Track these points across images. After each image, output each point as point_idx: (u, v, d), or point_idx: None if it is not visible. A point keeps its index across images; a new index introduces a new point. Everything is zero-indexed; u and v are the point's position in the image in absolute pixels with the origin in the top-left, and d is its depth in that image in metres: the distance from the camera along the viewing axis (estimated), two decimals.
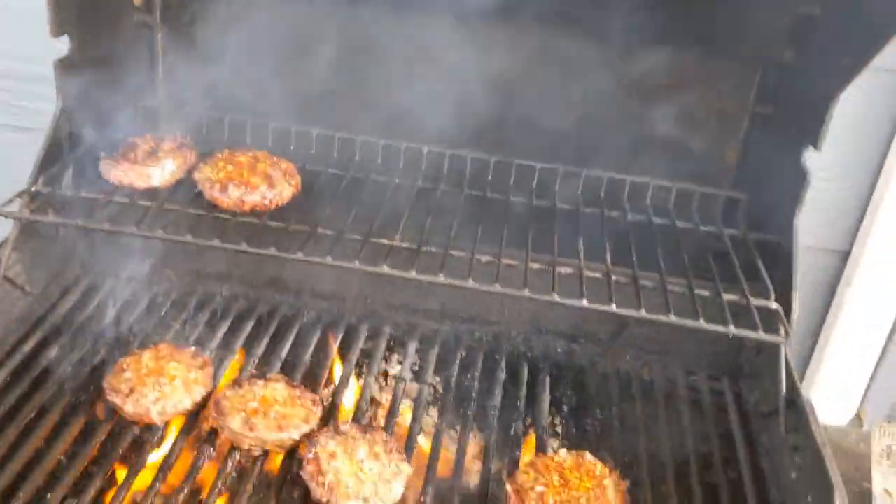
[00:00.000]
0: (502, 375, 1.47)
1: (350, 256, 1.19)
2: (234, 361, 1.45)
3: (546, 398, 1.43)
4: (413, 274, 1.18)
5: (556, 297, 1.15)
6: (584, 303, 1.14)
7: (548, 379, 1.47)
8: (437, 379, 1.49)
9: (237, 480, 1.25)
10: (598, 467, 1.23)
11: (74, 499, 1.15)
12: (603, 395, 1.47)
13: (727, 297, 1.23)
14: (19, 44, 1.69)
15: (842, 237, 1.70)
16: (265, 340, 1.50)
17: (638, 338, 1.54)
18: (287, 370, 1.42)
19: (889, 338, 1.75)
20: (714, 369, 1.51)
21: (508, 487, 1.20)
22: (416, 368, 1.51)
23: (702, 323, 1.14)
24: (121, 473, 1.22)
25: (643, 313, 1.13)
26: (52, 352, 1.38)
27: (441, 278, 1.20)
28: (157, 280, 1.58)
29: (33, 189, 1.29)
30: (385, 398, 1.47)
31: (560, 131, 1.53)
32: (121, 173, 1.29)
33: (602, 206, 1.48)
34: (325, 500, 1.14)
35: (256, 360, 1.45)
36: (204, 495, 1.18)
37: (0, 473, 1.15)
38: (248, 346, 1.48)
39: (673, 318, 1.14)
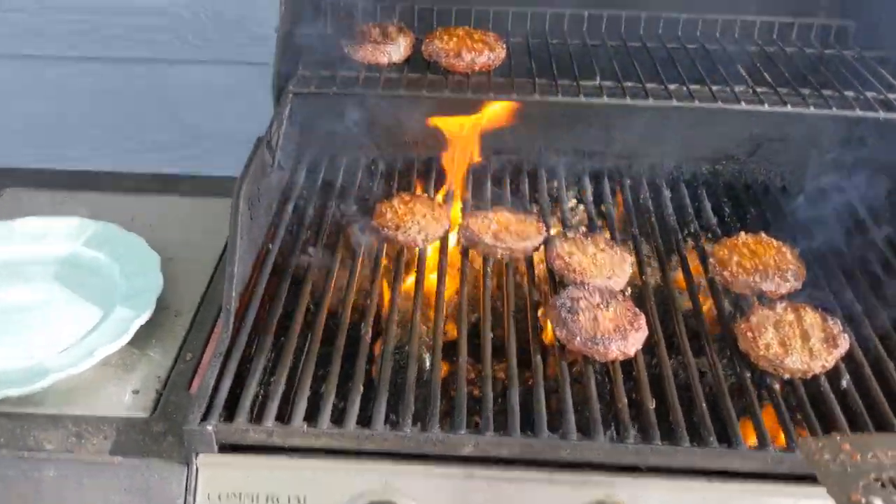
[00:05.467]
0: (668, 193, 1.82)
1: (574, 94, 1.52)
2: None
3: (707, 205, 1.79)
4: (650, 102, 1.49)
5: (743, 107, 1.46)
6: (766, 107, 1.46)
7: (704, 192, 1.83)
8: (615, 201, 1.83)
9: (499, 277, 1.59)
10: (773, 241, 1.59)
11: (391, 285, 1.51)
12: (751, 199, 1.83)
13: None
14: None
15: None
16: (470, 186, 1.84)
17: (769, 153, 1.89)
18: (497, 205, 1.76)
19: None
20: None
21: (711, 259, 1.55)
22: (594, 196, 1.84)
23: (858, 112, 1.45)
24: (409, 278, 1.58)
25: (812, 110, 1.45)
26: (311, 209, 1.73)
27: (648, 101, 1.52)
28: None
29: (300, 73, 1.60)
30: (577, 219, 1.81)
31: None
32: (367, 52, 1.59)
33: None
34: (577, 280, 1.49)
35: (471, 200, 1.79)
36: (480, 284, 1.54)
37: (325, 286, 1.51)
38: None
39: (835, 111, 1.46)
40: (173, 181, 1.95)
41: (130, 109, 2.21)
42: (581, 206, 1.84)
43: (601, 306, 1.39)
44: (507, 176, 1.87)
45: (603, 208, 1.80)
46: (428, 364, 1.42)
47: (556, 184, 1.87)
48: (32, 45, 2.12)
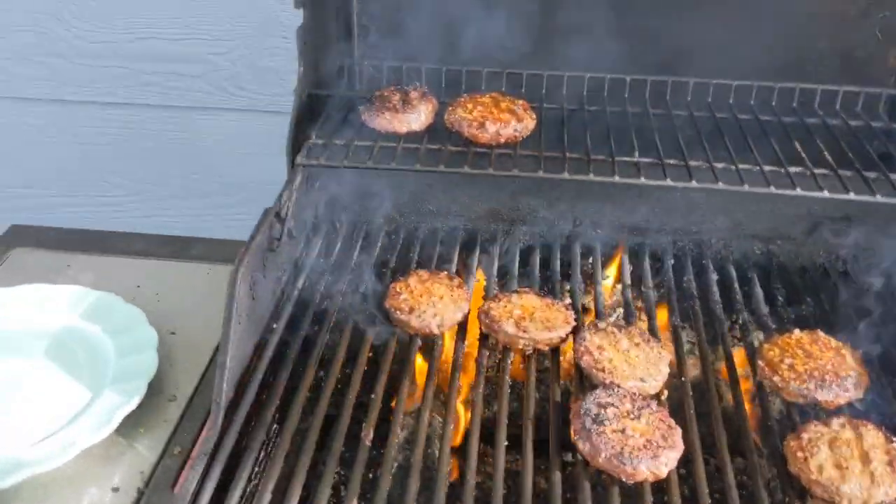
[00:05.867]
0: (714, 276, 1.65)
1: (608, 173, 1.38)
2: (476, 282, 1.65)
3: (759, 291, 1.61)
4: (693, 184, 1.35)
5: (799, 191, 1.30)
6: (826, 193, 1.29)
7: (756, 275, 1.65)
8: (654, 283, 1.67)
9: (522, 371, 1.44)
10: (832, 341, 1.41)
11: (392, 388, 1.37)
12: (808, 285, 1.64)
13: None
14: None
15: None
16: (496, 263, 1.70)
17: (830, 234, 1.71)
18: (524, 285, 1.61)
19: None
20: None
21: (760, 362, 1.38)
22: (632, 276, 1.68)
23: None
24: (422, 368, 1.43)
25: (878, 198, 1.28)
26: (323, 284, 1.60)
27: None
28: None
29: (311, 142, 1.48)
30: (613, 301, 1.65)
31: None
32: (385, 121, 1.48)
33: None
34: (607, 381, 1.33)
35: (496, 279, 1.65)
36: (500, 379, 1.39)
37: (327, 375, 1.38)
38: (485, 269, 1.69)
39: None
40: (185, 243, 1.85)
41: (165, 156, 2.18)
42: (618, 287, 1.68)
43: (632, 415, 1.23)
44: (536, 251, 1.72)
45: (642, 289, 1.64)
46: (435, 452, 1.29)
47: (590, 261, 1.71)
48: (69, 91, 2.10)
